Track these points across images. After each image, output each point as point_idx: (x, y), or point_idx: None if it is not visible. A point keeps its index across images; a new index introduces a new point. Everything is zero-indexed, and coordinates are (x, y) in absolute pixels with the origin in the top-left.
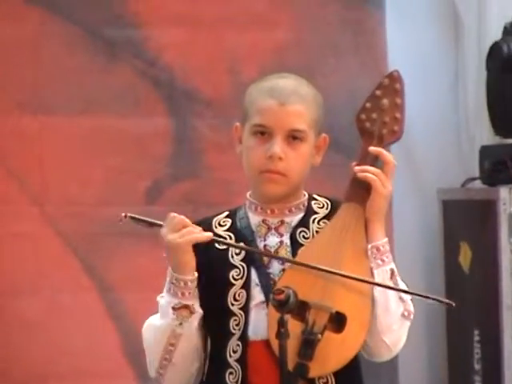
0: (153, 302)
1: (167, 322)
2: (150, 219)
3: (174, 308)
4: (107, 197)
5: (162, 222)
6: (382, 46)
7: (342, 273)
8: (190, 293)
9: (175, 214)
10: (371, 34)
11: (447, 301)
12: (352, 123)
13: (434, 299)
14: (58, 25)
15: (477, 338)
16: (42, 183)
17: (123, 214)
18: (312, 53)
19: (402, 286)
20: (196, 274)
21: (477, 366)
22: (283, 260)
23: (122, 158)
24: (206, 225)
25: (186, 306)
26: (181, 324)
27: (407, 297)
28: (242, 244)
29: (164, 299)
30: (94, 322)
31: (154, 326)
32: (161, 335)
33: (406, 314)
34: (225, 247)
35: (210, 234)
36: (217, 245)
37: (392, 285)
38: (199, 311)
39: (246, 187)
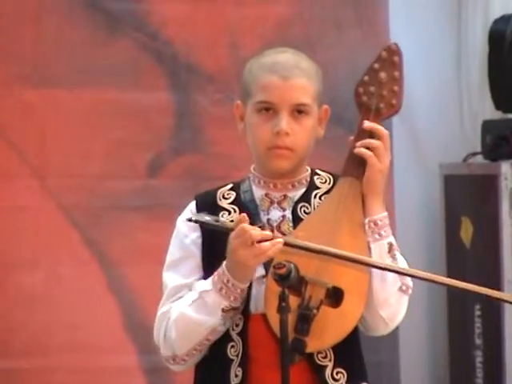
0: (152, 276)
1: (212, 321)
2: (216, 220)
3: (223, 310)
4: (108, 170)
5: (231, 225)
6: (384, 19)
7: (334, 252)
8: (241, 297)
9: (245, 226)
10: (373, 7)
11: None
12: (352, 97)
13: (490, 297)
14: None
15: (478, 313)
16: (42, 156)
17: (187, 218)
18: (313, 26)
19: (402, 261)
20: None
21: (478, 341)
22: (320, 252)
23: (123, 131)
24: (210, 197)
25: (235, 309)
26: (224, 323)
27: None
28: (298, 243)
29: (212, 298)
30: (95, 296)
31: (193, 320)
32: (201, 330)
33: (403, 288)
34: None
35: (281, 242)
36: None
37: (389, 259)
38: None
39: (247, 162)
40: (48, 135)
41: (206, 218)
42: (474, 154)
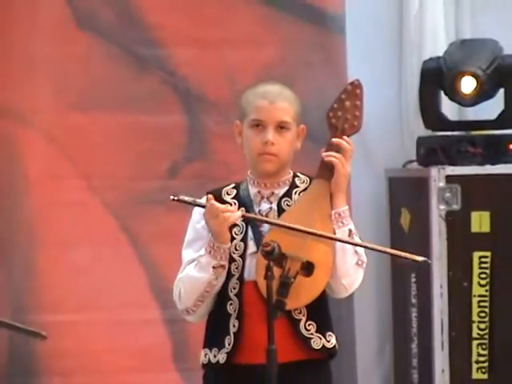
0: (172, 253)
1: (206, 276)
2: (193, 200)
3: (213, 267)
4: (138, 173)
5: (203, 203)
6: (343, 62)
7: (312, 231)
8: (225, 256)
9: (213, 202)
10: (335, 53)
11: (422, 259)
12: (320, 120)
13: (406, 258)
14: (102, 45)
15: (413, 280)
16: (89, 163)
17: (172, 197)
18: (291, 66)
19: (356, 240)
20: (229, 243)
21: (413, 300)
22: (275, 224)
23: (149, 144)
24: (217, 193)
25: (222, 266)
26: (216, 278)
27: (361, 250)
28: (255, 215)
29: (204, 259)
30: (128, 269)
31: (194, 277)
32: (199, 284)
33: (359, 262)
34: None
35: (239, 214)
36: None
37: (348, 240)
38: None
39: (240, 167)
40: (93, 147)
41: (186, 198)
42: (411, 161)
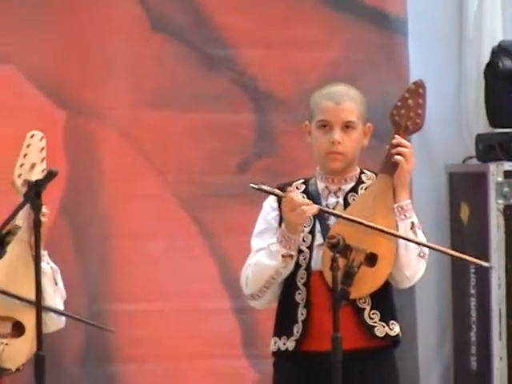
0: (243, 245)
1: (275, 264)
2: (272, 190)
3: (282, 256)
4: (210, 168)
5: (281, 193)
6: (405, 62)
7: (376, 226)
8: (295, 247)
9: (292, 194)
10: (398, 53)
11: (484, 263)
12: (384, 118)
13: (469, 261)
14: (174, 45)
15: (472, 271)
16: (164, 159)
17: (252, 185)
18: (355, 67)
19: (421, 235)
20: (300, 235)
21: (472, 291)
22: (341, 217)
23: (219, 141)
24: (287, 187)
25: (291, 256)
26: (284, 267)
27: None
28: (333, 210)
29: (275, 247)
30: (200, 260)
31: (263, 264)
32: (267, 271)
33: (421, 254)
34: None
35: (316, 208)
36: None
37: (412, 233)
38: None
39: (307, 163)
40: (167, 143)
41: (265, 187)
42: (471, 157)
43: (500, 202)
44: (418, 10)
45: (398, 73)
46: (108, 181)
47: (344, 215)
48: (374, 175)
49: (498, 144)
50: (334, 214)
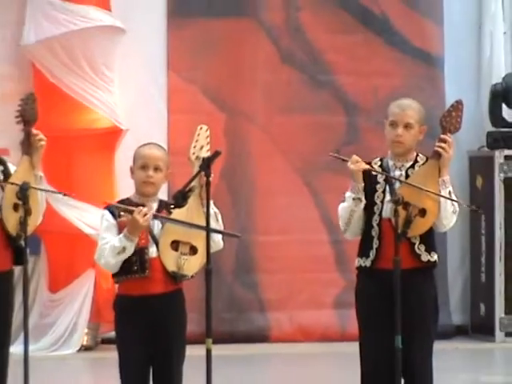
0: (336, 199)
1: (349, 204)
2: (343, 159)
3: (353, 199)
4: (317, 151)
5: (348, 159)
6: (442, 88)
7: (428, 189)
8: (361, 192)
9: (362, 166)
10: (437, 81)
11: (473, 207)
12: (431, 125)
13: (464, 204)
14: (297, 74)
15: (483, 218)
16: (291, 148)
17: (331, 154)
18: (409, 90)
19: (454, 198)
20: (363, 183)
21: (483, 231)
22: (404, 182)
23: (323, 135)
24: (368, 162)
25: (359, 198)
26: (355, 206)
27: (456, 203)
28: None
29: (348, 194)
30: (308, 209)
31: (344, 207)
32: (346, 211)
33: (454, 211)
34: (375, 174)
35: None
36: (373, 173)
37: (449, 197)
38: (364, 201)
39: (379, 149)
40: (290, 137)
41: (340, 156)
42: (483, 146)
43: (501, 175)
44: (451, 53)
45: (437, 95)
46: (252, 159)
47: (404, 181)
48: (425, 157)
49: (501, 138)
50: (399, 180)
